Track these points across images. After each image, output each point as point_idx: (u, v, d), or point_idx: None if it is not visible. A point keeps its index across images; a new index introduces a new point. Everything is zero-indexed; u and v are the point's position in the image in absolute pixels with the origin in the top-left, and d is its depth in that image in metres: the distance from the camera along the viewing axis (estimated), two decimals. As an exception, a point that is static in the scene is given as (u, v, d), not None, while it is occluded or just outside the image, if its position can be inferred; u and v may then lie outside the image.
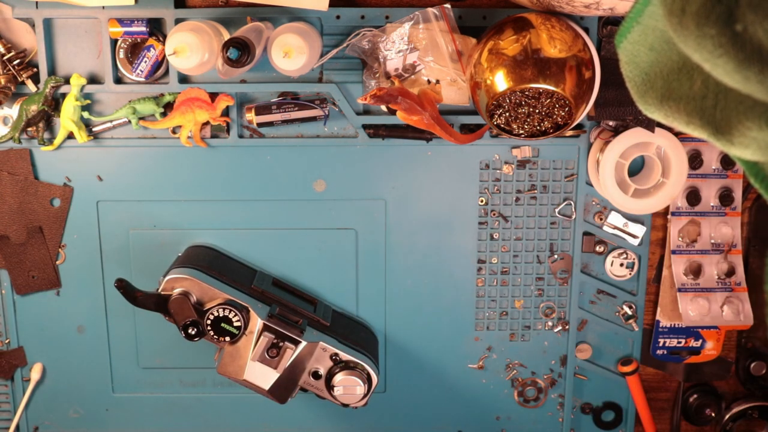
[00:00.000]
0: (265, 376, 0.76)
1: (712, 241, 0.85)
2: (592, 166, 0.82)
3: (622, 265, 0.86)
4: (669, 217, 0.85)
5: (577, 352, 0.88)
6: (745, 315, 0.85)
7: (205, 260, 0.80)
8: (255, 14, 0.77)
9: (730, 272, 0.85)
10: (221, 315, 0.75)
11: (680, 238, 0.85)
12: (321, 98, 0.80)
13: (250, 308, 0.76)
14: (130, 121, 0.80)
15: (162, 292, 0.76)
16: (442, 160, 0.82)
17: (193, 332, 0.75)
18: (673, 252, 0.85)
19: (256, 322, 0.76)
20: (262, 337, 0.75)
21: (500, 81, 0.69)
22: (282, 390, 0.76)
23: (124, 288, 0.74)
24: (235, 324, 0.75)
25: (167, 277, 0.76)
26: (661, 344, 0.88)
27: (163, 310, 0.75)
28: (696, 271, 0.85)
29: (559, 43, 0.69)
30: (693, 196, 0.84)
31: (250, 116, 0.80)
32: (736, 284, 0.85)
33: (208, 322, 0.75)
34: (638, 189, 0.81)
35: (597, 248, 0.85)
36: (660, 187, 0.81)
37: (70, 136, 0.80)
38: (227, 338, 0.75)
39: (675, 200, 0.84)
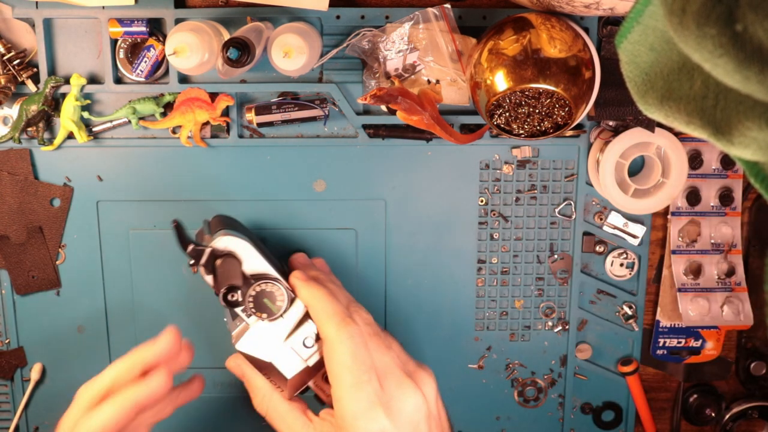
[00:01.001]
0: (291, 365, 0.73)
1: (712, 241, 0.85)
2: (592, 166, 0.82)
3: (622, 265, 0.86)
4: (669, 217, 0.85)
5: (577, 352, 0.88)
6: (745, 315, 0.85)
7: (253, 234, 0.77)
8: (255, 14, 0.77)
9: (730, 272, 0.85)
10: (268, 290, 0.71)
11: (680, 238, 0.85)
12: (321, 98, 0.80)
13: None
14: (130, 121, 0.80)
15: (215, 248, 0.72)
16: (442, 160, 0.83)
17: (233, 299, 0.71)
18: (673, 252, 0.85)
19: (299, 309, 0.72)
20: (306, 324, 0.72)
21: (500, 81, 0.69)
22: (297, 384, 0.74)
23: (179, 229, 0.70)
24: (278, 303, 0.72)
25: (220, 238, 0.72)
26: (661, 344, 0.88)
27: (208, 268, 0.71)
28: (696, 271, 0.85)
29: (559, 43, 0.69)
30: (693, 196, 0.84)
31: (250, 116, 0.80)
32: (736, 284, 0.85)
33: (253, 293, 0.71)
34: (638, 189, 0.81)
35: (597, 248, 0.85)
36: (660, 187, 0.81)
37: (70, 136, 0.80)
38: (264, 315, 0.72)
39: (675, 200, 0.84)
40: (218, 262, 0.71)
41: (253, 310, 0.72)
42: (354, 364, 0.65)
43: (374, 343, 0.68)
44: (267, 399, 0.73)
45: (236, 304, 0.72)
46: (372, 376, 0.65)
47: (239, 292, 0.72)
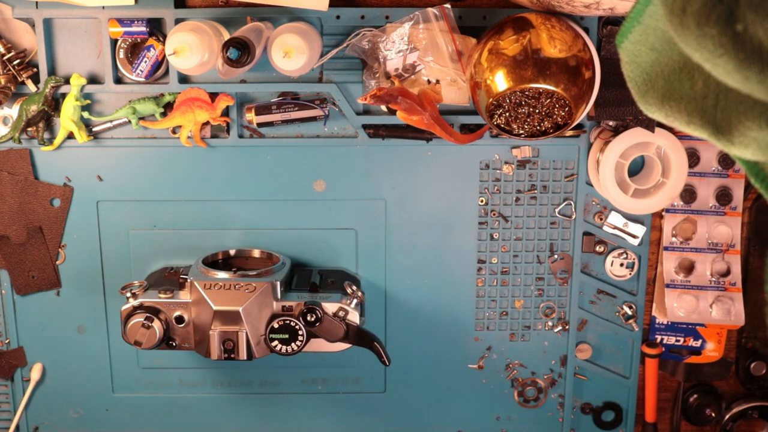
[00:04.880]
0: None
1: (709, 240, 0.85)
2: (592, 166, 0.82)
3: (622, 265, 0.86)
4: (663, 213, 0.85)
5: (577, 352, 0.88)
6: (737, 314, 0.85)
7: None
8: (255, 14, 0.77)
9: (727, 272, 0.85)
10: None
11: (674, 235, 0.85)
12: (321, 98, 0.80)
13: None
14: (130, 121, 0.80)
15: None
16: (442, 160, 0.83)
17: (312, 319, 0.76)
18: (665, 249, 0.85)
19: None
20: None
21: (500, 81, 0.69)
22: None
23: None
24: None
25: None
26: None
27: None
28: (688, 268, 0.85)
29: (559, 43, 0.69)
30: (688, 194, 0.84)
31: (250, 116, 0.80)
32: (730, 284, 0.85)
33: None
34: (638, 189, 0.81)
35: (597, 248, 0.85)
36: (660, 187, 0.81)
37: (70, 136, 0.80)
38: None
39: (674, 200, 0.84)
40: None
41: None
42: None
43: None
44: None
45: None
46: None
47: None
